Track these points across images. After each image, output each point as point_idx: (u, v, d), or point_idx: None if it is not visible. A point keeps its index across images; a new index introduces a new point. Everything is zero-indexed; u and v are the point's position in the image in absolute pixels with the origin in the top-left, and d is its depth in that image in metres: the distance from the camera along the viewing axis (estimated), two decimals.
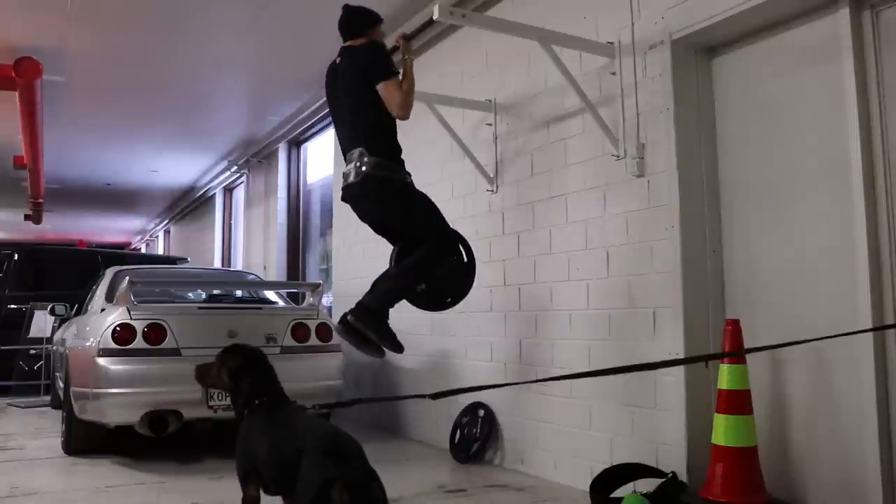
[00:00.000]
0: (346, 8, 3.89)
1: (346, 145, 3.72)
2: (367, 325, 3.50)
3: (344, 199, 3.76)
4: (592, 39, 3.87)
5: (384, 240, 3.96)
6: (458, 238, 3.86)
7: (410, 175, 3.69)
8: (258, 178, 10.24)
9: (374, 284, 3.69)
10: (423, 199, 3.73)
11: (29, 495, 3.82)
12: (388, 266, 3.87)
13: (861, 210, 2.89)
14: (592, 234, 3.92)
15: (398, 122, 3.66)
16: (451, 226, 3.85)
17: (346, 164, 3.65)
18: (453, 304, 3.92)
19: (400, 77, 3.61)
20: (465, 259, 3.87)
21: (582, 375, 2.92)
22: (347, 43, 3.80)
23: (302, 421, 2.56)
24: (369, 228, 3.89)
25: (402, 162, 3.67)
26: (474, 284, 4.81)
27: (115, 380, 4.46)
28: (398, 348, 3.59)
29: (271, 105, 8.12)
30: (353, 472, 2.17)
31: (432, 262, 3.70)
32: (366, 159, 3.54)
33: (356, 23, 3.82)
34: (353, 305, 3.58)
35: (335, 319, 5.63)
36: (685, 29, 3.44)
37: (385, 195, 3.60)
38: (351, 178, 3.61)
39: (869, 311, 2.83)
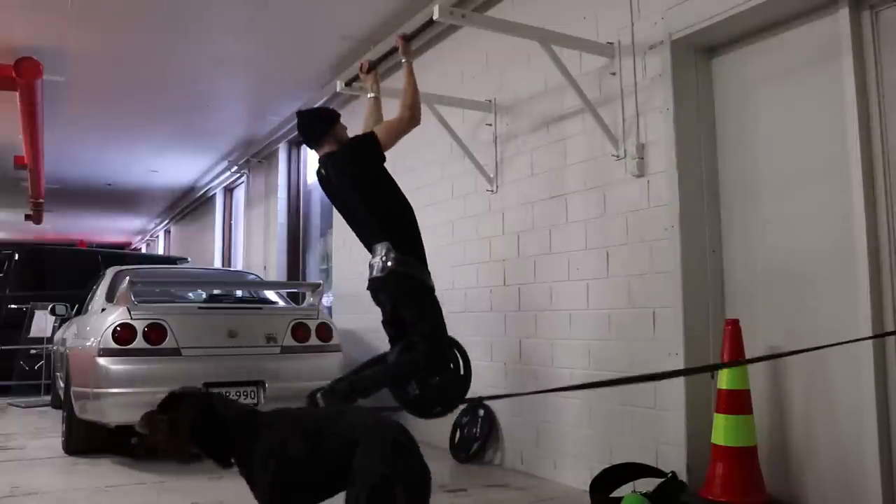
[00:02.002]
0: (301, 115, 3.88)
1: (369, 239, 3.71)
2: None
3: (368, 288, 3.75)
4: (592, 40, 3.87)
5: None
6: (456, 346, 3.79)
7: (431, 276, 3.66)
8: (258, 178, 10.23)
9: (353, 371, 3.72)
10: (435, 308, 3.66)
11: (29, 495, 3.82)
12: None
13: (861, 210, 2.89)
14: (592, 234, 3.92)
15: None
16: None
17: (373, 257, 3.65)
18: (442, 413, 3.85)
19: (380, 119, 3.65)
20: (462, 371, 3.78)
21: (606, 384, 2.88)
22: (319, 153, 3.79)
23: (346, 414, 2.42)
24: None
25: (425, 262, 3.67)
26: (474, 284, 4.84)
27: (116, 380, 4.47)
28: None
29: (271, 105, 8.12)
30: (412, 467, 2.13)
31: (416, 372, 3.63)
32: (392, 255, 3.55)
33: (316, 128, 3.80)
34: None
35: (335, 320, 5.65)
36: (685, 29, 3.44)
37: (402, 292, 3.61)
38: (375, 272, 3.62)
39: (868, 310, 2.83)
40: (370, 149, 3.62)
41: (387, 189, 3.66)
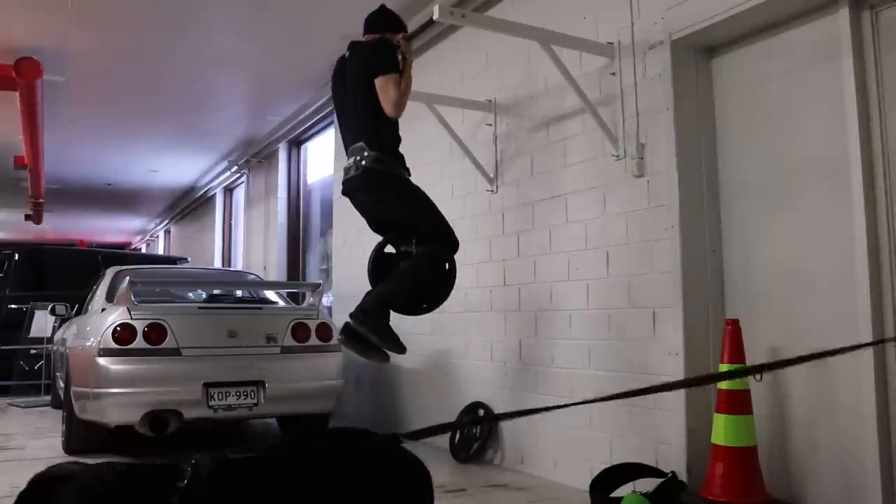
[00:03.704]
0: (383, 7, 3.91)
1: (348, 140, 3.74)
2: (370, 328, 3.49)
3: (344, 192, 3.78)
4: (592, 40, 3.87)
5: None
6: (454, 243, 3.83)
7: (409, 171, 3.70)
8: (258, 178, 10.23)
9: (375, 288, 3.70)
10: (422, 195, 3.73)
11: None
12: (367, 262, 3.86)
13: (861, 210, 2.89)
14: (592, 234, 3.92)
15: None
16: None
17: (348, 159, 3.68)
18: (428, 310, 3.88)
19: (399, 75, 3.62)
20: (447, 266, 3.83)
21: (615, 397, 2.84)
22: (360, 39, 3.81)
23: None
24: (369, 228, 3.89)
25: (401, 157, 3.68)
26: (474, 284, 4.84)
27: (116, 380, 4.47)
28: (401, 350, 3.58)
29: (271, 105, 8.12)
30: None
31: (433, 261, 3.69)
32: (366, 153, 3.56)
33: (384, 21, 3.83)
34: (352, 310, 3.58)
35: (335, 320, 5.64)
36: (685, 29, 3.44)
37: (383, 188, 3.62)
38: (351, 173, 3.63)
39: (868, 311, 2.83)
40: (390, 61, 3.63)
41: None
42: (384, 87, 3.55)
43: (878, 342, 2.75)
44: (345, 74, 3.79)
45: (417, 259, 3.66)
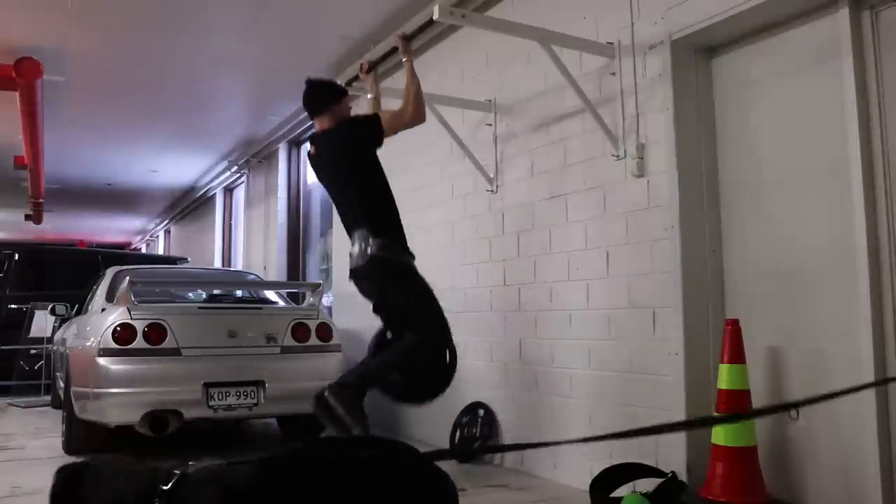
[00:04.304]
0: (310, 83, 3.88)
1: (350, 225, 3.73)
2: (340, 400, 3.42)
3: (351, 278, 3.76)
4: (592, 39, 3.87)
5: None
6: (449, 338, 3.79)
7: (414, 258, 3.69)
8: (258, 178, 10.24)
9: (361, 363, 3.72)
10: (424, 286, 3.69)
11: (30, 495, 3.81)
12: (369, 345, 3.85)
13: (861, 210, 2.89)
14: (592, 234, 3.92)
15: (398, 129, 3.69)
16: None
17: (353, 245, 3.67)
18: (424, 402, 3.88)
19: (378, 118, 3.66)
20: (447, 360, 3.79)
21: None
22: (316, 128, 3.82)
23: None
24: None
25: (404, 241, 3.69)
26: (474, 284, 4.84)
27: (116, 380, 4.47)
28: (364, 429, 3.45)
29: (271, 105, 8.12)
30: None
31: (419, 352, 3.64)
32: (371, 240, 3.56)
33: (323, 97, 3.82)
34: (336, 382, 3.53)
35: (335, 320, 5.65)
36: (685, 29, 3.44)
37: (387, 277, 3.62)
38: (357, 261, 3.63)
39: (868, 310, 2.83)
40: (371, 129, 3.65)
41: (373, 174, 3.67)
42: (393, 125, 3.63)
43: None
44: (323, 168, 3.77)
45: (405, 346, 3.63)
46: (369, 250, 3.55)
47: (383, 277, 3.61)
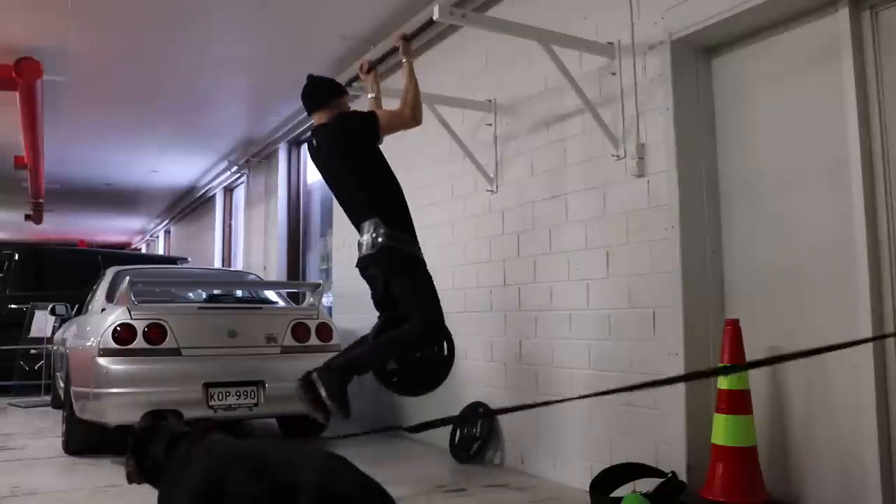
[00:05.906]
0: (312, 78, 3.90)
1: (356, 217, 3.73)
2: (324, 382, 3.42)
3: (358, 266, 3.76)
4: (592, 40, 3.87)
5: None
6: (446, 332, 3.80)
7: (421, 251, 3.70)
8: (258, 178, 10.24)
9: (348, 348, 3.73)
10: (428, 281, 3.69)
11: (30, 495, 3.82)
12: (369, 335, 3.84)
13: (860, 209, 2.89)
14: (592, 234, 3.92)
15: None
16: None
17: (361, 235, 3.67)
18: (422, 393, 3.89)
19: (375, 115, 3.68)
20: (445, 353, 3.81)
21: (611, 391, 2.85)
22: (315, 122, 3.83)
23: (291, 449, 2.02)
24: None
25: (415, 236, 3.69)
26: (474, 284, 4.84)
27: (116, 380, 4.47)
28: (345, 414, 3.46)
29: (271, 105, 8.12)
30: None
31: (413, 343, 3.66)
32: (382, 230, 3.56)
33: (322, 93, 3.84)
34: (324, 364, 3.55)
35: (335, 320, 5.65)
36: (685, 29, 3.44)
37: (394, 266, 3.62)
38: (365, 250, 3.63)
39: (868, 310, 2.83)
40: (367, 123, 3.67)
41: (377, 166, 3.68)
42: (391, 124, 3.64)
43: (879, 337, 2.74)
44: (324, 160, 3.78)
45: (396, 335, 3.64)
46: (380, 240, 3.56)
47: (391, 266, 3.61)
